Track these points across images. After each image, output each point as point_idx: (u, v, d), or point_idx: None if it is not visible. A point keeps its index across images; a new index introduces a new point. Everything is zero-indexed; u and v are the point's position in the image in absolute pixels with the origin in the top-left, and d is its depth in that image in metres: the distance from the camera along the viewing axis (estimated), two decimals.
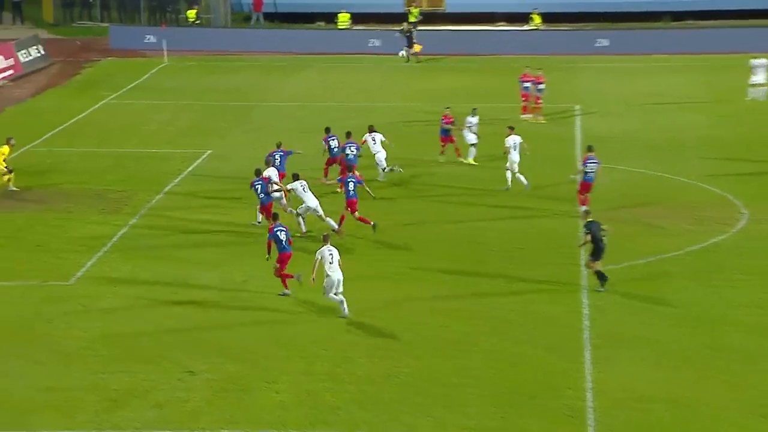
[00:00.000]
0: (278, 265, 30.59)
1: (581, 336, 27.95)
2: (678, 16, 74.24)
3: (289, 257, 30.68)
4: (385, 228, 35.38)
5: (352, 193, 35.21)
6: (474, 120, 43.42)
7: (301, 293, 30.34)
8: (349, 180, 35.50)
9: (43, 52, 66.43)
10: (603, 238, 30.77)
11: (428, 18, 74.46)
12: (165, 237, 35.75)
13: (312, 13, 74.90)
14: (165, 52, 66.81)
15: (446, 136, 43.49)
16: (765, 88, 53.84)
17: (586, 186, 36.83)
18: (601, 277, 30.86)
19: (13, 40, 66.36)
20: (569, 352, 27.08)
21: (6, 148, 40.08)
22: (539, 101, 50.57)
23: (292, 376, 25.95)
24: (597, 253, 30.76)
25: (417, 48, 66.18)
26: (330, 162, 39.86)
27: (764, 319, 29.05)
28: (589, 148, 37.52)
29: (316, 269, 28.93)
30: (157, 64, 65.29)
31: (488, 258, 33.72)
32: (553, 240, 34.99)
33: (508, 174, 39.56)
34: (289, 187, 35.38)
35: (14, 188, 39.86)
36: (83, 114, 53.11)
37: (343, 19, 73.29)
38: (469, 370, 26.18)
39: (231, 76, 62.50)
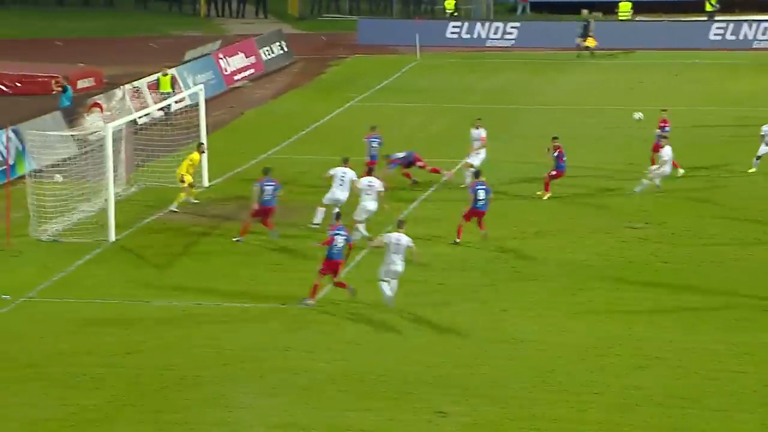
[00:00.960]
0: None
1: None
2: None
3: (336, 265, 31.79)
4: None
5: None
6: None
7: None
8: None
9: (286, 49, 67.47)
10: None
11: (728, 6, 72.68)
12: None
13: (587, 2, 73.80)
14: (418, 48, 66.99)
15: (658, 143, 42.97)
16: None
17: None
18: None
19: (255, 35, 67.53)
20: None
21: (196, 156, 40.34)
22: None
23: (560, 423, 25.49)
24: None
25: (591, 42, 65.12)
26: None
27: None
28: None
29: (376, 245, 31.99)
30: (410, 62, 65.77)
31: None
32: None
33: None
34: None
35: (194, 200, 40.44)
36: (327, 117, 53.87)
37: (624, 8, 72.29)
38: None
39: (493, 76, 62.31)
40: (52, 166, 40.83)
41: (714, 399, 26.40)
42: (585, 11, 69.00)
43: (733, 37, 69.06)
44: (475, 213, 36.38)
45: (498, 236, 36.93)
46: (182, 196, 39.77)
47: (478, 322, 30.90)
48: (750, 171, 43.30)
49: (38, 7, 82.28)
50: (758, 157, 43.42)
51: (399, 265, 31.24)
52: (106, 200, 37.83)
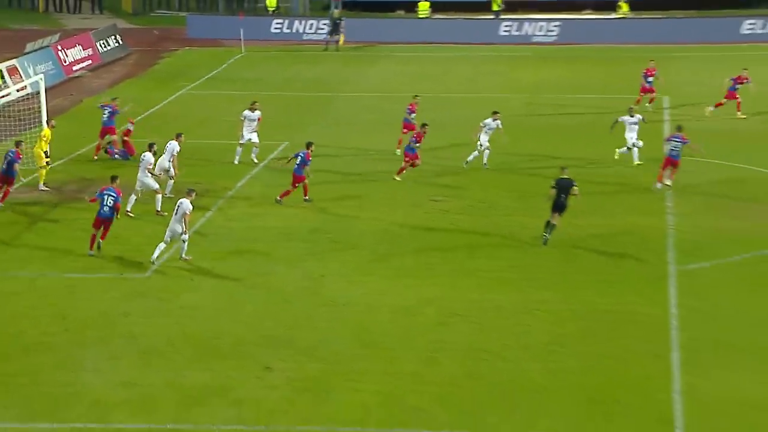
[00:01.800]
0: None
1: (670, 337, 27.64)
2: None
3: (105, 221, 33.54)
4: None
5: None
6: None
7: (382, 291, 30.33)
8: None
9: (121, 42, 66.84)
10: (566, 196, 33.96)
11: (511, 6, 74.03)
12: (243, 231, 35.71)
13: (392, 2, 74.67)
14: (243, 42, 66.94)
15: (408, 123, 44.10)
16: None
17: (668, 161, 38.80)
18: (548, 225, 34.12)
19: (92, 29, 66.83)
20: (658, 354, 26.77)
21: (47, 131, 40.03)
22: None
23: (374, 375, 25.84)
24: (556, 207, 33.93)
25: (341, 39, 66.25)
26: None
27: None
28: (678, 128, 39.51)
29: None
30: (235, 54, 65.62)
31: (577, 257, 33.52)
32: (642, 237, 34.74)
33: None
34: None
35: (44, 188, 39.74)
36: (160, 105, 53.46)
37: (423, 7, 73.10)
38: (556, 372, 25.95)
39: (310, 67, 62.51)
40: None
41: (509, 351, 27.03)
42: (336, 10, 69.92)
43: (518, 33, 70.34)
44: (297, 178, 37.30)
45: (322, 208, 37.31)
46: (44, 173, 39.49)
47: (301, 288, 31.05)
48: (616, 158, 42.86)
49: None
50: (629, 148, 42.53)
51: (178, 227, 32.17)
52: None
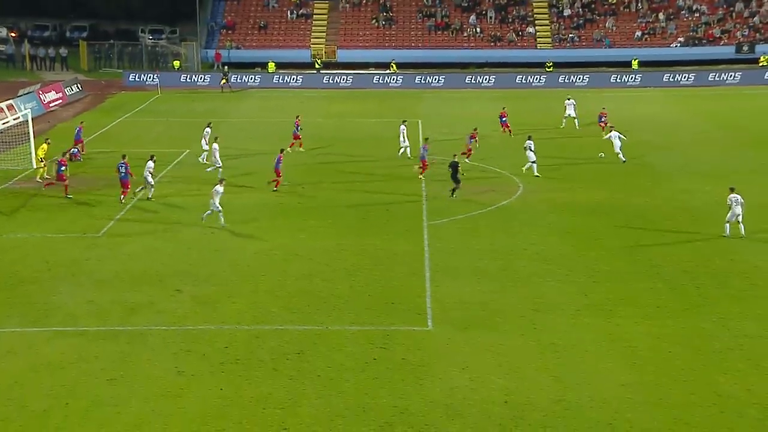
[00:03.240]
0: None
1: (424, 264, 27.95)
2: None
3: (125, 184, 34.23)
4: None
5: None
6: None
7: (248, 240, 29.95)
8: None
9: (80, 88, 64.49)
10: (459, 174, 35.00)
11: (326, 66, 73.84)
12: (162, 205, 34.83)
13: (252, 62, 73.73)
14: (159, 88, 65.31)
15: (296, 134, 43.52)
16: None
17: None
18: (453, 190, 34.88)
19: (61, 80, 64.40)
20: (417, 275, 27.04)
21: (45, 146, 38.53)
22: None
23: (245, 293, 25.58)
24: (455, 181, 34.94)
25: (225, 81, 65.89)
26: None
27: (537, 250, 29.33)
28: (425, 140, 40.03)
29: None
30: (154, 95, 63.76)
31: (369, 216, 33.44)
32: (405, 207, 34.88)
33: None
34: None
35: (42, 179, 37.75)
36: (107, 127, 51.73)
37: (271, 66, 72.32)
38: (356, 287, 26.06)
39: (203, 103, 61.26)
40: None
41: (327, 274, 26.83)
42: (225, 66, 69.13)
43: (331, 81, 69.64)
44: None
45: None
46: (42, 171, 37.73)
47: (199, 240, 30.41)
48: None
49: None
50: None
51: (215, 200, 31.27)
52: None
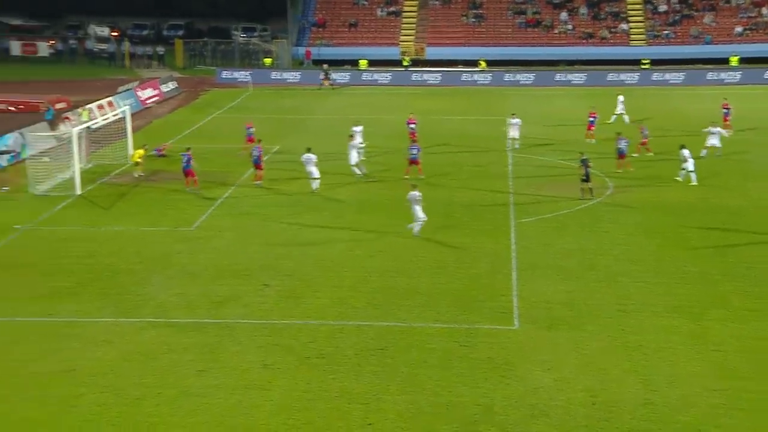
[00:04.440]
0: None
1: (510, 263, 27.68)
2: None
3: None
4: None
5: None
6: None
7: (333, 236, 30.13)
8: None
9: (176, 85, 66.00)
10: (589, 169, 34.15)
11: (415, 63, 73.82)
12: (251, 200, 35.44)
13: (341, 60, 74.18)
14: (251, 85, 66.33)
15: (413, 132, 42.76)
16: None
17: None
18: (591, 191, 34.21)
19: (157, 78, 66.05)
20: (503, 273, 26.82)
21: (141, 151, 39.41)
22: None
23: (328, 288, 25.75)
24: (586, 177, 34.12)
25: (326, 83, 65.83)
26: None
27: (623, 250, 28.78)
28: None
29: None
30: (246, 93, 64.81)
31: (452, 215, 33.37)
32: (492, 205, 34.60)
33: None
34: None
35: (139, 174, 38.85)
36: (201, 123, 52.79)
37: (363, 63, 72.68)
38: (440, 285, 26.00)
39: (292, 99, 61.99)
40: (42, 152, 39.50)
41: (412, 271, 26.86)
42: (325, 65, 69.27)
43: (419, 78, 69.66)
44: None
45: (296, 188, 37.00)
46: (138, 168, 38.73)
47: (285, 235, 30.58)
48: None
49: (28, 64, 78.73)
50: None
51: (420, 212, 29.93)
52: (74, 171, 36.68)
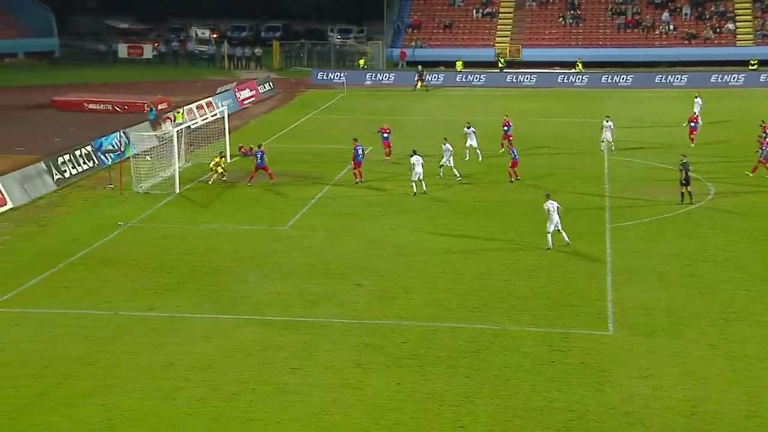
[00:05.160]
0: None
1: (605, 267, 27.18)
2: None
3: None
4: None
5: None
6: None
7: (426, 239, 30.13)
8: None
9: (272, 86, 67.08)
10: (689, 173, 33.05)
11: (509, 65, 73.29)
12: (344, 200, 35.70)
13: (436, 61, 74.16)
14: (345, 86, 66.91)
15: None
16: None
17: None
18: (690, 195, 33.12)
19: (255, 79, 67.24)
20: (598, 278, 26.34)
21: (218, 159, 39.09)
22: None
23: (421, 289, 25.76)
24: (686, 181, 33.06)
25: (419, 84, 65.30)
26: None
27: (726, 257, 27.94)
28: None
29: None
30: (341, 94, 65.41)
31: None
32: (587, 209, 33.98)
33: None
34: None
35: (217, 178, 38.79)
36: (296, 123, 53.52)
37: (459, 65, 72.53)
38: (534, 288, 25.70)
39: (385, 101, 62.26)
40: (145, 151, 40.56)
41: (501, 274, 26.68)
42: (419, 66, 69.03)
43: (513, 80, 69.06)
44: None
45: (390, 187, 37.07)
46: (214, 176, 39.09)
47: (378, 236, 30.74)
48: None
49: (133, 66, 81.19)
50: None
51: (555, 217, 28.42)
52: (173, 170, 37.60)
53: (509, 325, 22.98)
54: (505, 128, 43.47)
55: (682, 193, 33.55)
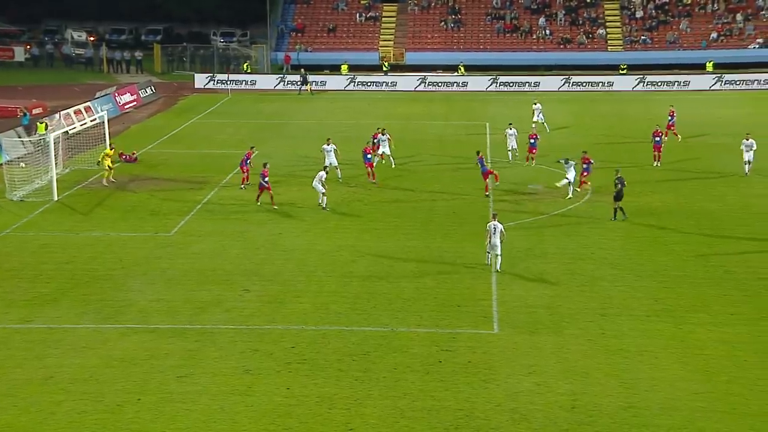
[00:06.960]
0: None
1: (490, 268, 27.66)
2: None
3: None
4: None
5: None
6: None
7: (313, 242, 30.13)
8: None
9: (154, 90, 65.74)
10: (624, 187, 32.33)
11: (394, 68, 73.93)
12: (229, 206, 35.30)
13: (322, 65, 74.18)
14: (229, 90, 66.23)
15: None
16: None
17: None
18: (622, 211, 32.33)
19: (135, 83, 65.81)
20: (483, 278, 26.87)
21: (110, 150, 38.93)
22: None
23: (310, 293, 25.72)
24: (618, 196, 32.31)
25: (309, 87, 65.95)
26: None
27: (603, 254, 28.92)
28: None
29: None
30: (224, 98, 64.67)
31: (433, 218, 33.42)
32: (468, 211, 34.66)
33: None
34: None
35: (110, 181, 38.13)
36: (179, 128, 52.57)
37: (345, 68, 72.68)
38: (422, 290, 26.02)
39: (271, 105, 61.88)
40: (19, 157, 39.26)
41: (394, 277, 26.87)
42: (302, 69, 68.93)
43: (394, 87, 69.61)
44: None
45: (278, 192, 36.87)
46: (106, 174, 38.24)
47: (266, 240, 30.59)
48: None
49: (5, 68, 78.19)
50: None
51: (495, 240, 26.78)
52: (50, 177, 36.45)
53: (397, 327, 23.20)
54: (532, 140, 41.17)
55: (615, 209, 32.49)
